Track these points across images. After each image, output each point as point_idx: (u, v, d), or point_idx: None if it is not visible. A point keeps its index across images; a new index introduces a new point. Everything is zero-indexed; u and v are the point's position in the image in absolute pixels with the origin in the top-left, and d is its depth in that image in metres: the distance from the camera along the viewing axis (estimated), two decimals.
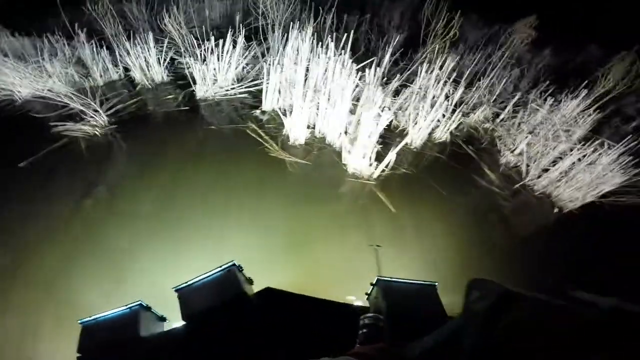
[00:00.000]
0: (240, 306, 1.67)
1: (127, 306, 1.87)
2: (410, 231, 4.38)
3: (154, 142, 5.30)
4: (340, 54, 5.07)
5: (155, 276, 3.40)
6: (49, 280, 3.49)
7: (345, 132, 5.07)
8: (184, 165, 4.93)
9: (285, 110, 5.54)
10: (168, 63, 6.62)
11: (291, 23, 5.91)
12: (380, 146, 4.84)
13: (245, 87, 6.20)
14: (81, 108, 5.26)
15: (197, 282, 1.84)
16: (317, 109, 5.17)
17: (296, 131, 5.25)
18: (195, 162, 4.99)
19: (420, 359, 1.17)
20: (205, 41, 6.01)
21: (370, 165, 4.80)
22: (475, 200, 5.11)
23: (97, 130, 5.23)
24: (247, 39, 6.44)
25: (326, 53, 5.08)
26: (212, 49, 5.91)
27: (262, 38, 7.01)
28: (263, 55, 6.78)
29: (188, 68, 6.88)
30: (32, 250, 3.79)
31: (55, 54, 6.72)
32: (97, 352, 1.76)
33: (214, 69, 6.03)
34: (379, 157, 4.81)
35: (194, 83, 6.23)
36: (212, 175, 4.81)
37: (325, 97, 5.00)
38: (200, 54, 5.98)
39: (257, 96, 6.08)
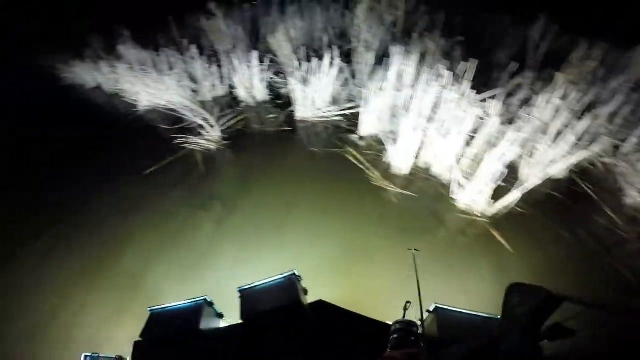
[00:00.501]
0: (295, 314, 1.72)
1: (193, 300, 1.98)
2: (527, 272, 4.02)
3: (258, 159, 5.60)
4: (455, 82, 4.92)
5: (222, 276, 3.79)
6: (134, 272, 4.03)
7: (457, 165, 4.85)
8: (282, 183, 5.10)
9: (385, 136, 5.51)
10: (268, 82, 7.05)
11: (391, 45, 5.90)
12: (498, 182, 4.55)
13: (342, 110, 6.29)
14: (200, 122, 5.76)
15: (259, 285, 1.94)
16: (423, 136, 5.03)
17: (399, 160, 5.15)
18: (294, 181, 5.14)
19: None
20: (305, 62, 6.29)
21: (485, 202, 4.52)
22: (596, 243, 4.56)
23: (212, 145, 5.67)
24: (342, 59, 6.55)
25: (438, 80, 4.96)
26: (311, 70, 6.15)
27: (355, 59, 7.08)
28: (353, 76, 6.90)
29: (283, 86, 7.32)
30: (125, 244, 4.37)
31: (170, 68, 7.53)
32: (158, 339, 1.87)
33: (312, 90, 6.23)
34: (494, 194, 4.53)
35: (293, 104, 6.51)
36: (309, 195, 4.90)
37: (436, 127, 4.87)
38: (300, 75, 6.24)
39: (352, 120, 6.15)
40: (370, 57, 6.70)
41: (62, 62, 9.84)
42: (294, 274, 1.93)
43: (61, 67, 9.95)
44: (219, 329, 1.95)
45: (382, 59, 6.94)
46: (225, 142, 5.78)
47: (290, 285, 1.88)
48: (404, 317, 1.47)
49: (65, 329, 3.48)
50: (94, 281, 3.99)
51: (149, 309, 2.04)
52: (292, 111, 6.50)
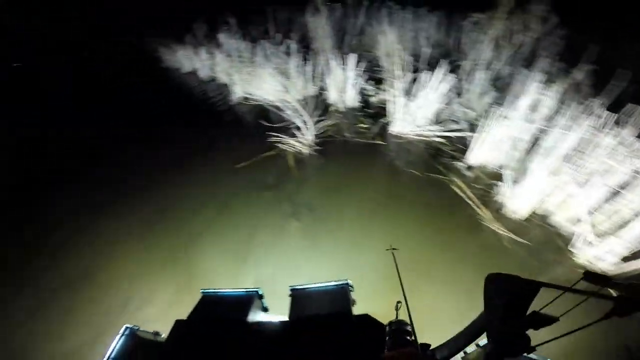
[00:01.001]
0: (341, 324, 1.70)
1: (246, 289, 1.99)
2: None
3: (347, 169, 5.24)
4: (614, 125, 4.05)
5: (276, 273, 3.76)
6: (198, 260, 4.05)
7: (589, 219, 4.01)
8: (370, 200, 4.66)
9: (502, 171, 4.81)
10: (361, 88, 6.71)
11: (523, 67, 5.13)
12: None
13: (446, 132, 5.67)
14: (298, 123, 5.59)
15: (311, 288, 1.93)
16: (554, 180, 4.24)
17: (516, 202, 4.42)
18: (384, 202, 4.68)
19: (452, 357, 1.16)
20: (406, 72, 5.80)
21: (614, 261, 3.67)
22: None
23: (304, 147, 5.46)
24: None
25: (589, 118, 4.13)
26: (412, 82, 5.66)
27: (463, 76, 6.39)
28: (459, 94, 6.25)
29: (374, 95, 6.92)
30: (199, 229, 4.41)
31: (266, 60, 7.52)
32: (200, 321, 1.85)
33: (415, 104, 5.72)
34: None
35: (389, 116, 6.08)
36: (398, 219, 4.40)
37: (574, 172, 4.07)
38: (401, 85, 5.78)
39: (456, 144, 5.53)
40: (484, 77, 5.98)
41: (164, 45, 10.56)
42: (347, 283, 1.91)
43: (163, 50, 10.69)
44: (262, 322, 1.90)
45: (497, 80, 6.25)
46: (315, 147, 5.51)
47: (342, 294, 1.86)
48: (396, 317, 1.50)
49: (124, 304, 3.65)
50: (166, 268, 4.01)
51: (201, 290, 2.03)
52: (387, 124, 6.06)
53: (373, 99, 6.82)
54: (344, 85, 6.60)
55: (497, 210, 4.48)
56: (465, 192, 4.68)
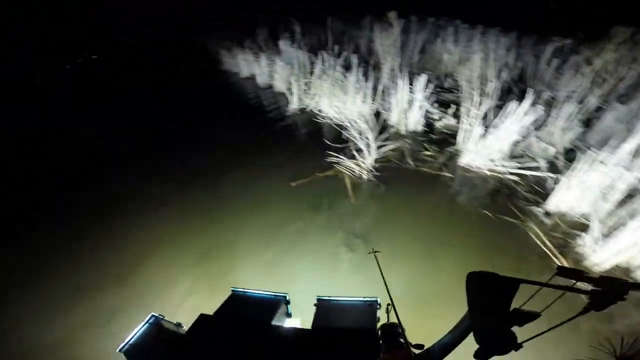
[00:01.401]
0: (363, 339, 1.68)
1: (275, 293, 2.00)
2: None
3: (407, 200, 4.89)
4: None
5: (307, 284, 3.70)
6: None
7: None
8: (431, 236, 4.28)
9: (583, 220, 4.22)
10: (427, 111, 6.34)
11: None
12: None
13: (523, 170, 5.11)
14: (357, 144, 5.36)
15: (338, 300, 1.93)
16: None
17: (600, 255, 3.83)
18: (444, 239, 4.26)
19: (444, 356, 1.18)
20: (480, 98, 5.33)
21: None
22: None
23: (362, 171, 5.21)
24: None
25: None
26: (483, 109, 5.19)
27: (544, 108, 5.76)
28: (538, 127, 5.63)
29: (439, 120, 6.50)
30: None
31: (324, 73, 7.38)
32: (228, 318, 1.85)
33: (486, 135, 5.23)
34: None
35: (459, 146, 5.65)
36: (460, 259, 3.95)
37: None
38: (471, 113, 5.33)
39: (533, 185, 4.97)
40: (570, 110, 5.33)
41: (225, 48, 10.87)
42: (376, 300, 1.90)
43: (223, 52, 11.02)
44: (284, 327, 1.90)
45: (584, 113, 5.55)
46: (374, 172, 5.23)
47: (369, 311, 1.85)
48: (387, 320, 1.57)
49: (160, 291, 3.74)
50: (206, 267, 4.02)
51: (231, 288, 2.07)
52: (454, 153, 5.62)
53: (438, 124, 6.42)
54: (408, 106, 6.26)
55: (576, 262, 3.92)
56: (542, 239, 4.14)
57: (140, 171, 5.83)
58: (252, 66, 10.01)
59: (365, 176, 5.16)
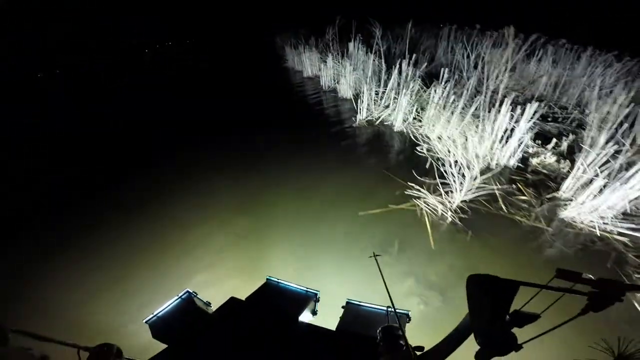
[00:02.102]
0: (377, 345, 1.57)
1: (307, 289, 2.00)
2: None
3: (494, 251, 4.02)
4: None
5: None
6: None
7: None
8: (517, 303, 3.38)
9: None
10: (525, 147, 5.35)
11: None
12: None
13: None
14: (442, 175, 4.56)
15: (367, 307, 1.91)
16: None
17: None
18: (539, 307, 3.36)
19: (444, 358, 1.20)
20: (595, 138, 4.27)
21: None
22: None
23: (445, 211, 4.41)
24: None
25: None
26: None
27: None
28: None
29: (537, 156, 5.47)
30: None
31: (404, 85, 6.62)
32: (257, 305, 1.87)
33: (597, 184, 4.18)
34: None
35: (557, 189, 4.66)
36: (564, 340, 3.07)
37: None
38: (585, 157, 4.28)
39: None
40: None
41: (289, 43, 10.45)
42: (407, 313, 1.81)
43: (288, 49, 10.62)
44: (309, 324, 1.84)
45: None
46: (457, 213, 4.40)
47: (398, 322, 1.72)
48: (387, 322, 1.60)
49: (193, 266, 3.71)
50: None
51: (267, 277, 2.06)
52: (556, 202, 4.62)
53: (535, 161, 5.40)
54: (503, 136, 5.30)
55: None
56: None
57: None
58: (316, 66, 9.49)
59: (449, 217, 4.35)
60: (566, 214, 4.47)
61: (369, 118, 6.72)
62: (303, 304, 1.90)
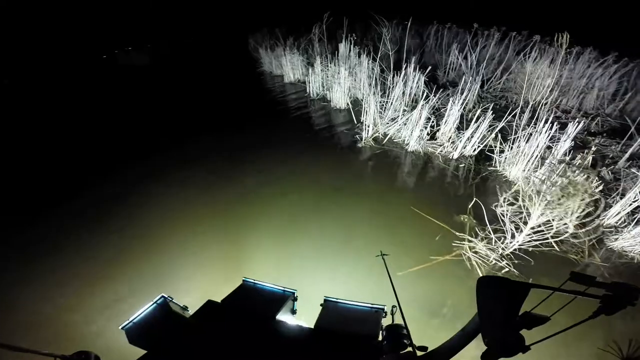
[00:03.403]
0: (365, 345, 1.61)
1: (284, 289, 1.95)
2: None
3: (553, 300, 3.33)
4: None
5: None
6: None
7: None
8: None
9: None
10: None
11: None
12: None
13: None
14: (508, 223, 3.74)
15: (344, 304, 1.88)
16: None
17: None
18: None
19: (448, 359, 1.18)
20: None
21: None
22: None
23: (497, 259, 3.61)
24: None
25: None
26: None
27: None
28: None
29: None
30: None
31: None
32: (234, 307, 1.83)
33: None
34: None
35: (600, 216, 4.10)
36: None
37: None
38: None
39: None
40: None
41: (265, 47, 9.23)
42: (382, 308, 1.81)
43: (262, 52, 9.38)
44: (287, 323, 1.77)
45: None
46: (513, 261, 3.64)
47: (374, 318, 1.77)
48: (392, 321, 1.62)
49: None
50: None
51: (243, 278, 2.02)
52: (602, 230, 4.06)
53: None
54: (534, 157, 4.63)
55: None
56: None
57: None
58: (299, 70, 8.37)
59: (504, 265, 3.56)
60: (616, 244, 3.90)
61: (375, 135, 5.79)
62: (280, 303, 1.87)
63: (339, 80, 6.67)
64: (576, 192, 3.36)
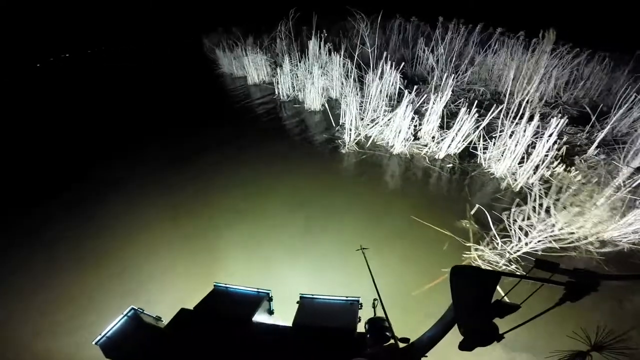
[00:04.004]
0: (342, 337, 1.64)
1: (257, 290, 1.95)
2: None
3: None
4: None
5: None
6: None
7: None
8: None
9: None
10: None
11: None
12: None
13: None
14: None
15: (320, 299, 1.88)
16: None
17: None
18: None
19: (429, 349, 1.22)
20: None
21: None
22: None
23: (506, 263, 3.49)
24: None
25: None
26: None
27: None
28: None
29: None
30: None
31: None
32: (209, 313, 1.81)
33: None
34: None
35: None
36: None
37: None
38: None
39: None
40: None
41: (222, 48, 8.48)
42: (358, 300, 1.83)
43: (219, 53, 8.61)
44: (265, 324, 1.80)
45: None
46: (522, 264, 3.54)
47: (350, 310, 1.79)
48: (374, 314, 1.66)
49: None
50: None
51: (214, 282, 2.01)
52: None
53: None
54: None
55: None
56: None
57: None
58: (264, 71, 7.79)
59: (510, 267, 3.44)
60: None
61: (357, 138, 5.48)
62: (255, 305, 1.84)
63: (312, 80, 6.23)
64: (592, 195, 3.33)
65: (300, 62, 6.73)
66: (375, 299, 1.69)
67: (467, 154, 5.15)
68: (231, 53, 8.32)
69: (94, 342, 1.61)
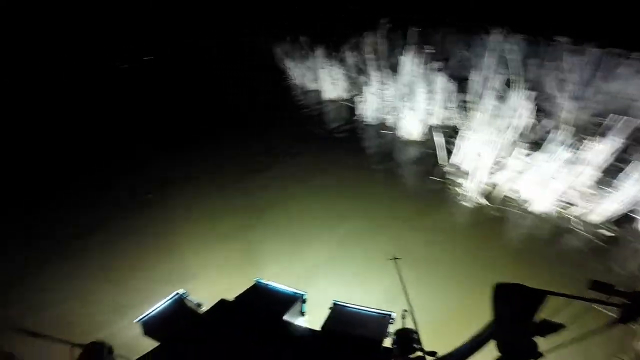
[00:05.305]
0: (369, 349, 1.59)
1: (296, 290, 1.96)
2: None
3: None
4: None
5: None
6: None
7: None
8: None
9: None
10: None
11: None
12: None
13: None
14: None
15: (352, 308, 1.87)
16: None
17: None
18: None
19: None
20: None
21: None
22: None
23: None
24: None
25: None
26: None
27: None
28: None
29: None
30: None
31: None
32: (246, 306, 1.86)
33: None
34: None
35: None
36: None
37: None
38: None
39: None
40: None
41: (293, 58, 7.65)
42: (390, 315, 1.78)
43: (289, 63, 7.78)
44: (295, 324, 1.84)
45: None
46: None
47: (381, 323, 1.74)
48: (403, 326, 1.57)
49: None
50: None
51: (255, 279, 2.03)
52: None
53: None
54: None
55: None
56: None
57: None
58: (340, 85, 6.82)
59: None
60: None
61: (484, 188, 4.28)
62: (290, 304, 1.86)
63: (412, 102, 5.13)
64: None
65: (390, 79, 5.66)
66: (405, 310, 1.60)
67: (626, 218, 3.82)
68: (302, 63, 7.45)
69: (135, 321, 1.73)
